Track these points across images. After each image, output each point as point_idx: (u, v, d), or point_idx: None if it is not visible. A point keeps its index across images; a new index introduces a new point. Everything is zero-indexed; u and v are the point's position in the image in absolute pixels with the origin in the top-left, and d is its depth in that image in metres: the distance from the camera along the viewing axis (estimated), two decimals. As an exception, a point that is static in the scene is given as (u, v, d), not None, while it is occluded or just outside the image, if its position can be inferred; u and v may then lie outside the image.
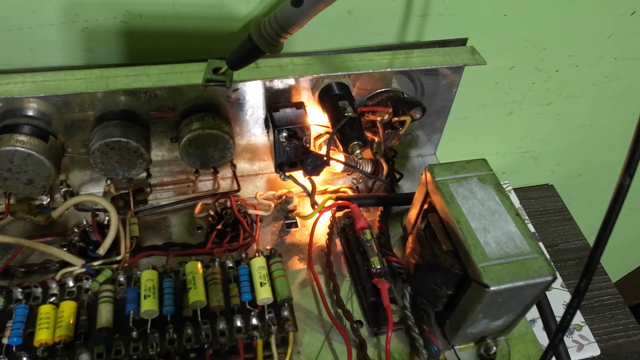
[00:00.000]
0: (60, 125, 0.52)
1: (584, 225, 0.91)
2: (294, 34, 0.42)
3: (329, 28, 0.58)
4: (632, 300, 1.44)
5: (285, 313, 0.46)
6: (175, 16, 0.52)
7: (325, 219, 0.58)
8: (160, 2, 0.51)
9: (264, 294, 0.46)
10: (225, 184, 0.62)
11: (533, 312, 0.48)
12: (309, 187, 0.57)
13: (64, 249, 0.52)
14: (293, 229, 0.58)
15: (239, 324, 0.45)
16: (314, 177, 0.57)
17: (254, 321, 0.46)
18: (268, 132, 0.57)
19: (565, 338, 0.44)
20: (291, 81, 0.55)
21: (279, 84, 0.55)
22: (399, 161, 0.68)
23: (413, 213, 0.54)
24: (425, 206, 0.50)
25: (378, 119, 0.58)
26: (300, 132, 0.54)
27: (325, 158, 0.55)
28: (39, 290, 0.46)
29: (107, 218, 0.52)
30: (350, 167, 0.59)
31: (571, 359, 0.46)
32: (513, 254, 0.42)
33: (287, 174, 0.56)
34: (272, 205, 0.59)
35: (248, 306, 0.47)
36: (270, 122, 0.55)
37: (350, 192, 0.62)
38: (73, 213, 0.56)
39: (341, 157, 0.58)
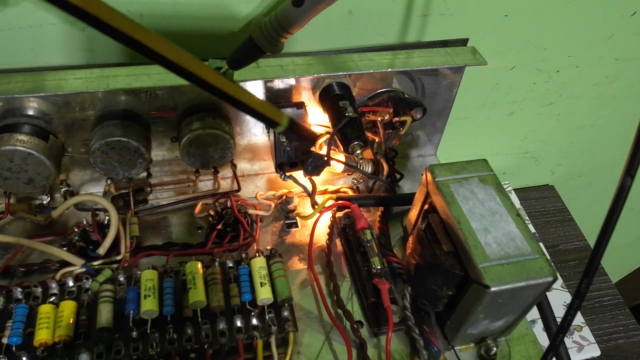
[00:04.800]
0: (60, 125, 0.52)
1: (585, 226, 0.91)
2: (295, 33, 0.42)
3: (330, 28, 0.58)
4: (632, 301, 1.44)
5: (286, 313, 0.46)
6: (175, 16, 0.52)
7: (326, 219, 0.58)
8: (161, 2, 0.51)
9: (264, 294, 0.46)
10: (225, 184, 0.62)
11: (533, 313, 0.48)
12: (310, 187, 0.57)
13: (64, 249, 0.52)
14: (293, 229, 0.58)
15: (239, 324, 0.45)
16: (314, 177, 0.57)
17: (254, 321, 0.45)
18: (268, 132, 0.57)
19: (565, 339, 0.44)
20: (292, 81, 0.55)
21: (279, 83, 0.55)
22: (400, 161, 0.68)
23: (413, 213, 0.54)
24: (426, 206, 0.50)
25: (379, 119, 0.58)
26: (301, 132, 0.54)
27: (325, 158, 0.54)
28: (39, 290, 0.46)
29: (107, 218, 0.52)
30: (350, 167, 0.59)
31: (571, 359, 0.46)
32: (514, 255, 0.42)
33: (288, 174, 0.56)
34: (273, 205, 0.59)
35: (248, 306, 0.46)
36: (271, 122, 0.55)
37: (350, 192, 0.62)
38: (73, 213, 0.56)
39: (342, 157, 0.58)
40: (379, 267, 0.49)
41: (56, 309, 0.44)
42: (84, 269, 0.49)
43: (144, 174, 0.56)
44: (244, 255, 0.50)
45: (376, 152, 0.61)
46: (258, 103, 0.39)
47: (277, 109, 0.41)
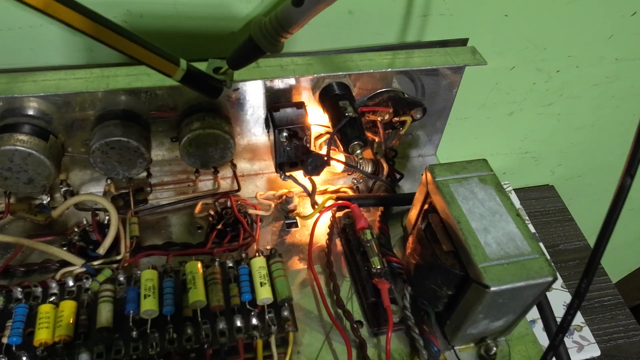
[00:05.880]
0: (60, 125, 0.52)
1: (585, 226, 0.91)
2: (295, 33, 0.42)
3: (330, 28, 0.58)
4: (632, 301, 1.44)
5: (285, 313, 0.46)
6: (175, 16, 0.52)
7: (326, 219, 0.58)
8: (161, 2, 0.51)
9: (264, 294, 0.46)
10: (225, 184, 0.62)
11: (533, 313, 0.48)
12: (310, 187, 0.57)
13: (64, 249, 0.52)
14: (293, 229, 0.58)
15: (239, 324, 0.45)
16: (314, 177, 0.57)
17: (254, 321, 0.45)
18: (268, 132, 0.57)
19: (565, 339, 0.44)
20: (292, 81, 0.55)
21: (279, 83, 0.55)
22: (400, 161, 0.68)
23: (413, 213, 0.54)
24: (426, 206, 0.50)
25: (379, 119, 0.58)
26: (301, 132, 0.54)
27: (325, 158, 0.54)
28: (39, 289, 0.46)
29: (107, 217, 0.52)
30: (350, 167, 0.59)
31: (571, 359, 0.46)
32: (514, 255, 0.42)
33: (288, 173, 0.56)
34: (273, 205, 0.59)
35: (248, 306, 0.47)
36: (271, 122, 0.55)
37: (350, 192, 0.62)
38: (73, 212, 0.56)
39: (342, 157, 0.58)
40: (379, 267, 0.49)
41: (56, 308, 0.44)
42: (84, 269, 0.49)
43: (144, 173, 0.56)
44: (243, 255, 0.50)
45: (376, 152, 0.61)
46: (148, 57, 0.41)
47: (171, 63, 0.43)
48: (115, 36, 0.39)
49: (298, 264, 0.55)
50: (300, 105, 0.56)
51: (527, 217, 0.91)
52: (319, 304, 0.51)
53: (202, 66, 0.50)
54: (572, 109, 0.82)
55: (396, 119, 0.59)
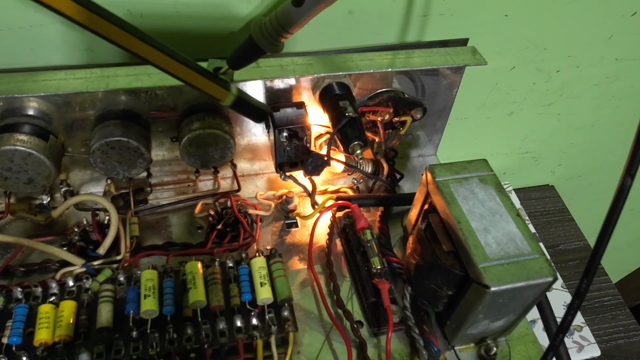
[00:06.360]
0: (60, 125, 0.52)
1: (585, 226, 0.91)
2: (295, 33, 0.42)
3: (330, 28, 0.58)
4: (632, 301, 1.44)
5: (286, 313, 0.46)
6: (175, 16, 0.52)
7: (326, 219, 0.58)
8: (161, 2, 0.51)
9: (264, 294, 0.46)
10: (225, 184, 0.62)
11: (533, 313, 0.48)
12: (310, 187, 0.57)
13: (64, 249, 0.52)
14: (293, 229, 0.58)
15: (239, 324, 0.45)
16: (314, 177, 0.57)
17: (254, 321, 0.45)
18: (268, 132, 0.57)
19: (565, 339, 0.44)
20: (292, 81, 0.55)
21: (279, 83, 0.55)
22: (400, 161, 0.68)
23: (413, 213, 0.54)
24: (426, 206, 0.50)
25: (379, 119, 0.58)
26: (301, 132, 0.54)
27: (325, 158, 0.54)
28: (39, 289, 0.46)
29: (107, 217, 0.52)
30: (350, 167, 0.59)
31: (571, 359, 0.46)
32: (514, 255, 0.42)
33: (288, 174, 0.56)
34: (273, 205, 0.59)
35: (248, 306, 0.47)
36: (271, 122, 0.55)
37: (350, 192, 0.62)
38: (73, 212, 0.56)
39: (342, 157, 0.58)
40: (379, 267, 0.49)
41: (56, 308, 0.44)
42: (84, 269, 0.49)
43: (144, 173, 0.56)
44: (244, 255, 0.50)
45: (376, 152, 0.61)
46: (200, 81, 0.43)
47: (222, 88, 0.44)
48: (171, 61, 0.40)
49: (298, 264, 0.55)
50: (301, 105, 0.56)
51: (527, 217, 0.91)
52: (319, 304, 0.51)
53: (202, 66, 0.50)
54: (572, 109, 0.82)
55: (396, 119, 0.59)
